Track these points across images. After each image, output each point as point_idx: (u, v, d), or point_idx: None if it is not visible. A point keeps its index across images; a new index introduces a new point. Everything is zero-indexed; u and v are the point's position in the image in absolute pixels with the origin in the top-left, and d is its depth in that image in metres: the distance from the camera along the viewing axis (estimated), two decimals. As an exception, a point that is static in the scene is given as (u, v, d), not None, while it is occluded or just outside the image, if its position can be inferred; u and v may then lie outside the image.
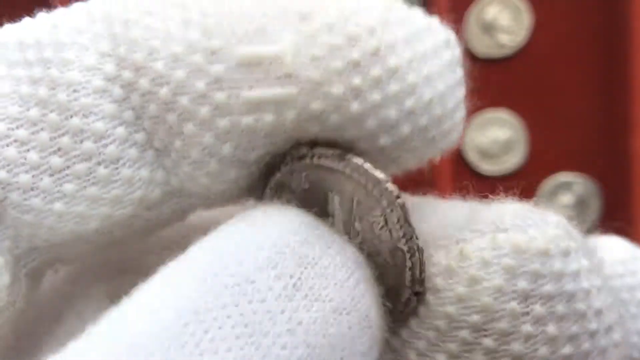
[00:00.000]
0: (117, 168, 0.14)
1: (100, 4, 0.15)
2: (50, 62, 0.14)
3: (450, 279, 0.13)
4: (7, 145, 0.14)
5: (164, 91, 0.14)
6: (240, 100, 0.13)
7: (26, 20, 0.15)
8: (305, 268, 0.12)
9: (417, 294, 0.14)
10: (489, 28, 0.51)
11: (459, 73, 0.15)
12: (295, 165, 0.14)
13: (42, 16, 0.15)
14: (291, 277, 0.12)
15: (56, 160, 0.14)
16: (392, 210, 0.13)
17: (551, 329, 0.13)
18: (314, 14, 0.13)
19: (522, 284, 0.13)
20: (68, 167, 0.14)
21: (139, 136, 0.14)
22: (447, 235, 0.14)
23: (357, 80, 0.13)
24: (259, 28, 0.13)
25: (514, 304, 0.13)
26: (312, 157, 0.14)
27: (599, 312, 0.13)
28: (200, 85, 0.13)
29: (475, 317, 0.13)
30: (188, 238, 0.16)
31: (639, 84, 0.47)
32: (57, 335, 0.18)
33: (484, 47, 0.51)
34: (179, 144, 0.14)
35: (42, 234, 0.15)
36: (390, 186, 0.13)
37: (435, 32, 0.15)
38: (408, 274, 0.14)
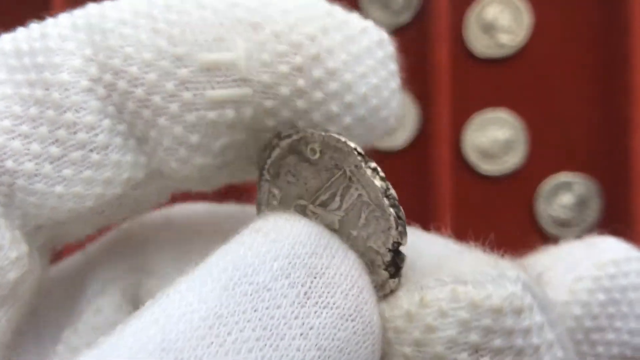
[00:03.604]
0: (107, 154, 0.16)
1: (82, 14, 0.17)
2: (43, 66, 0.16)
3: (409, 322, 0.14)
4: (13, 139, 0.16)
5: (139, 91, 0.16)
6: (204, 99, 0.16)
7: (20, 29, 0.17)
8: (315, 278, 0.13)
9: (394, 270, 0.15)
10: (489, 28, 0.51)
11: (391, 67, 0.17)
12: (284, 144, 0.16)
13: (33, 26, 0.17)
14: (302, 285, 0.13)
15: (55, 150, 0.16)
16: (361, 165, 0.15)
17: None
18: (263, 24, 0.16)
19: (474, 337, 0.14)
20: (65, 155, 0.16)
21: (122, 127, 0.16)
22: (413, 280, 0.15)
23: (301, 82, 0.16)
24: (217, 37, 0.16)
25: (464, 355, 0.14)
26: (297, 135, 0.16)
27: None
28: (170, 86, 0.16)
29: None
30: (193, 248, 0.18)
31: (639, 84, 0.47)
32: (77, 329, 0.20)
33: (484, 47, 0.51)
34: (154, 133, 0.16)
35: (45, 213, 0.17)
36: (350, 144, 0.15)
37: (369, 33, 0.17)
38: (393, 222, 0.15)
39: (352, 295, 0.14)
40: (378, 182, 0.15)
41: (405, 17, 0.51)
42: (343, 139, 0.15)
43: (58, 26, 0.17)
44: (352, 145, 0.15)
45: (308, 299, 0.13)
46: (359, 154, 0.15)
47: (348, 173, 0.15)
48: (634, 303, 0.20)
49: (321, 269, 0.14)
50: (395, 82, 0.17)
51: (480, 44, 0.51)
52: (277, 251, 0.13)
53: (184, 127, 0.16)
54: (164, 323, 0.12)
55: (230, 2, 0.16)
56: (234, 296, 0.12)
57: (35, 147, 0.16)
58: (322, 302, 0.13)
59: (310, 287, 0.13)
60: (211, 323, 0.12)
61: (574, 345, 0.19)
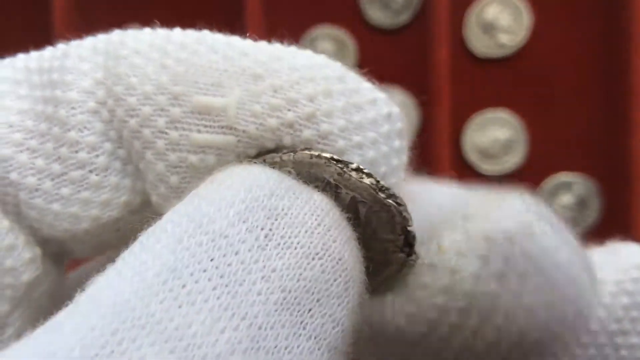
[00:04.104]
0: (106, 176, 0.16)
1: (104, 39, 0.17)
2: (56, 83, 0.16)
3: (434, 272, 0.15)
4: (21, 152, 0.16)
5: (133, 122, 0.16)
6: (188, 141, 0.15)
7: (48, 48, 0.17)
8: (276, 219, 0.13)
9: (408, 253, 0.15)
10: (489, 28, 0.51)
11: (396, 143, 0.16)
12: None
13: (59, 46, 0.17)
14: (262, 229, 0.13)
15: (56, 167, 0.16)
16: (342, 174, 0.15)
17: (527, 299, 0.15)
18: (265, 76, 0.15)
19: (496, 266, 0.15)
20: (65, 173, 0.16)
21: (122, 152, 0.16)
22: (426, 229, 0.16)
23: (287, 139, 0.15)
24: (216, 82, 0.15)
25: (493, 284, 0.15)
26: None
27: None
28: (161, 122, 0.15)
29: (461, 303, 0.15)
30: None
31: (639, 84, 0.47)
32: None
33: (484, 47, 0.51)
34: (142, 165, 0.16)
35: (44, 228, 0.17)
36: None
37: (378, 105, 0.16)
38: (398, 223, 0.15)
39: (319, 233, 0.13)
40: (366, 181, 0.14)
41: (405, 17, 0.51)
42: (316, 153, 0.15)
43: (80, 47, 0.17)
44: (327, 155, 0.15)
45: (269, 241, 0.13)
46: (337, 161, 0.15)
47: (333, 182, 0.15)
48: None
49: (282, 209, 0.13)
50: (397, 160, 0.16)
51: (480, 44, 0.51)
52: (233, 197, 0.13)
53: (165, 165, 0.16)
54: (117, 284, 0.12)
55: (242, 51, 0.16)
56: (188, 248, 0.12)
57: (40, 162, 0.16)
58: (284, 243, 0.13)
59: (270, 230, 0.13)
60: (164, 278, 0.12)
61: (597, 347, 0.19)
